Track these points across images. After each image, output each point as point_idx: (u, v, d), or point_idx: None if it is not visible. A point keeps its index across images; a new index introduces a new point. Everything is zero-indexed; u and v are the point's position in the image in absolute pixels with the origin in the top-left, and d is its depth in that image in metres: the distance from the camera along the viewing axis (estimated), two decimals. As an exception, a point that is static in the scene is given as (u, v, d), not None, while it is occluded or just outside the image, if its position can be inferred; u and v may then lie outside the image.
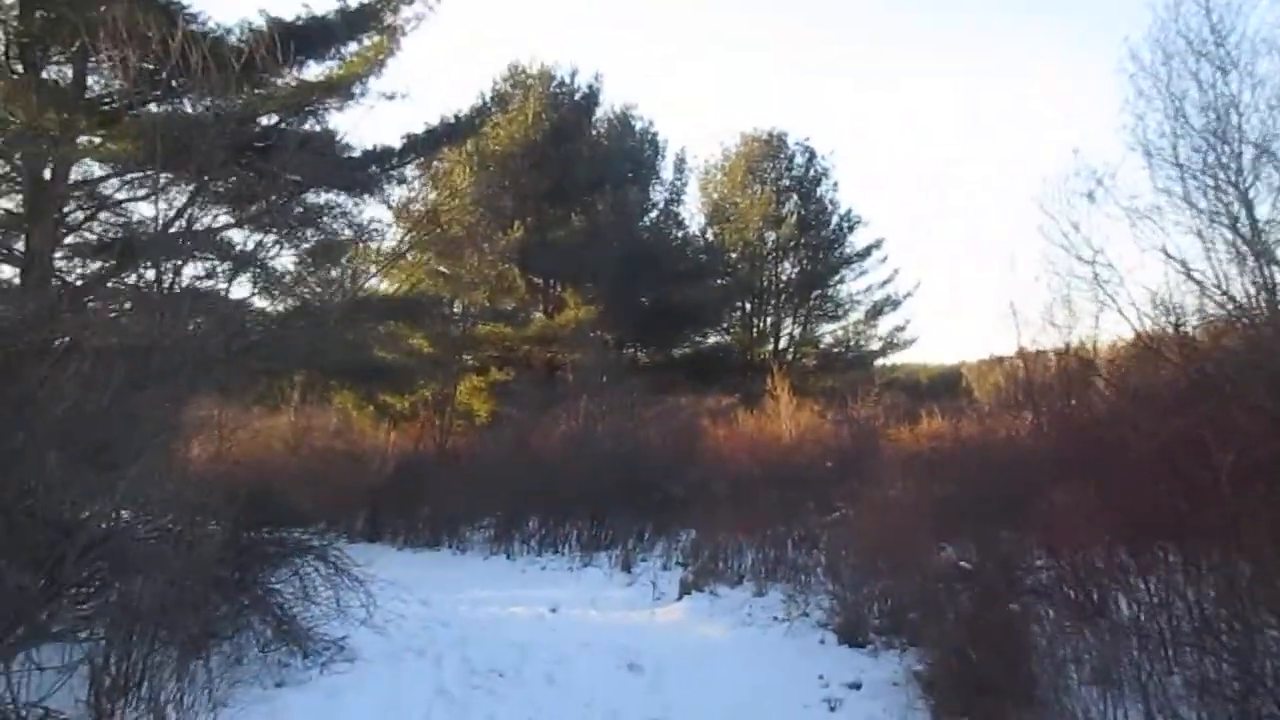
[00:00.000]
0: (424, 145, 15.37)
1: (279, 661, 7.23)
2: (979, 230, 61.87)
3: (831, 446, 17.47)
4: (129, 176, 14.65)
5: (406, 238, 23.64)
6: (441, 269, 21.26)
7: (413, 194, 24.37)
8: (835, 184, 30.19)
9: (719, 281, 27.84)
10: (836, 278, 29.91)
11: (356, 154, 14.93)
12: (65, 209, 14.93)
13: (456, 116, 15.60)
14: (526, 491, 14.69)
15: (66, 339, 13.69)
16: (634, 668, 7.64)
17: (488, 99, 15.85)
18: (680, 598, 9.86)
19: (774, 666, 7.42)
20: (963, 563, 6.93)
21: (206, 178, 13.60)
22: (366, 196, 15.41)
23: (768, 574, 10.27)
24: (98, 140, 14.35)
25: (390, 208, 15.43)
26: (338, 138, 14.78)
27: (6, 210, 14.38)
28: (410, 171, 15.60)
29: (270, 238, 15.70)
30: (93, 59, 13.47)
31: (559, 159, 23.64)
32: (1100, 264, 9.66)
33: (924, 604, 7.25)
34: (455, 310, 18.98)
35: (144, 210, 15.40)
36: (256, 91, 14.49)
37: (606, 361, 21.70)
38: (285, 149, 13.47)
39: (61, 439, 8.09)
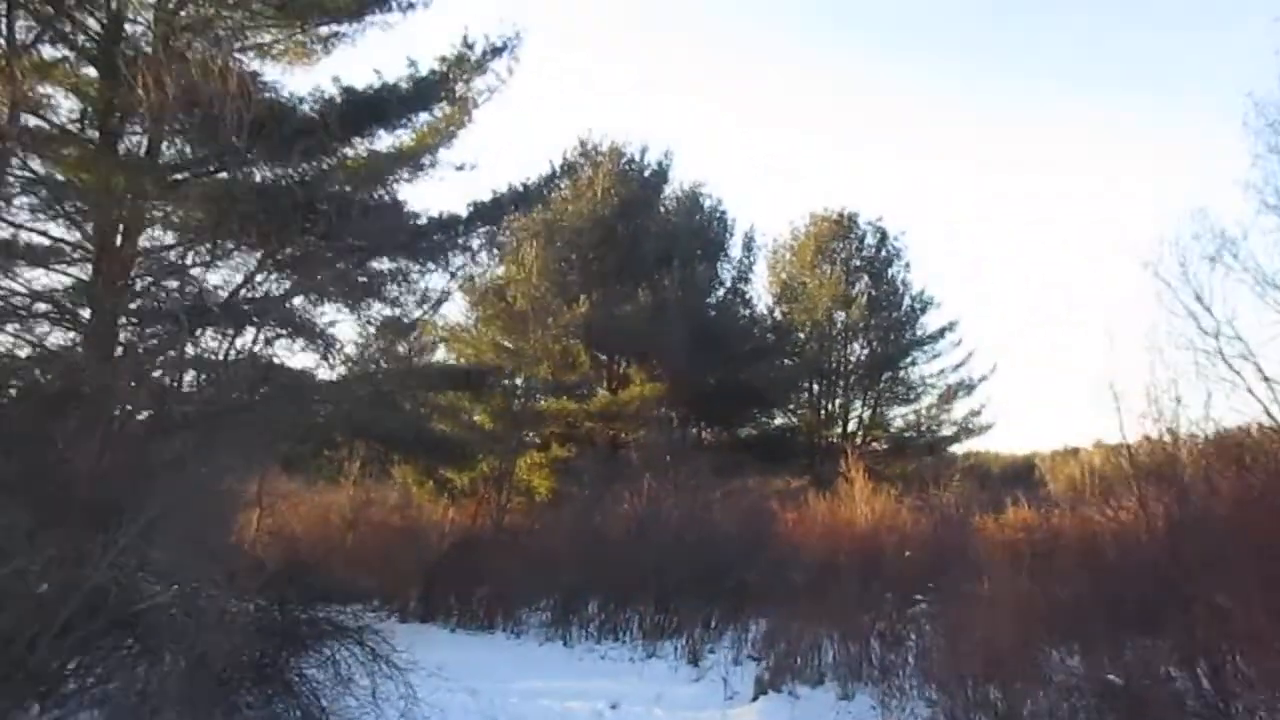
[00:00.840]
0: (490, 213, 14.78)
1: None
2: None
3: (910, 534, 16.30)
4: (197, 246, 14.32)
5: (473, 311, 23.35)
6: (506, 343, 20.63)
7: (480, 268, 24.16)
8: (907, 264, 29.27)
9: (786, 362, 26.90)
10: (908, 360, 28.77)
11: (422, 221, 14.40)
12: (132, 273, 14.58)
13: (524, 185, 15.03)
14: (587, 574, 13.74)
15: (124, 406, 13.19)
16: (706, 782, 6.63)
17: (556, 168, 15.29)
18: (755, 698, 8.80)
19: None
20: (1111, 676, 5.83)
21: (274, 245, 13.19)
22: (431, 265, 14.83)
23: (852, 674, 9.17)
24: (168, 208, 13.92)
25: (454, 276, 14.70)
26: (405, 206, 14.31)
27: (75, 277, 14.05)
28: (476, 241, 14.98)
29: (334, 306, 15.24)
30: (168, 126, 13.22)
31: (627, 235, 23.06)
32: (1226, 336, 8.64)
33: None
34: (517, 384, 18.22)
35: (211, 279, 15.03)
36: (326, 161, 14.13)
37: (671, 440, 20.81)
38: (351, 215, 12.98)
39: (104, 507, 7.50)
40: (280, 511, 21.76)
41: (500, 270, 23.75)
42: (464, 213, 14.79)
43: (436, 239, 14.55)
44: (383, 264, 15.00)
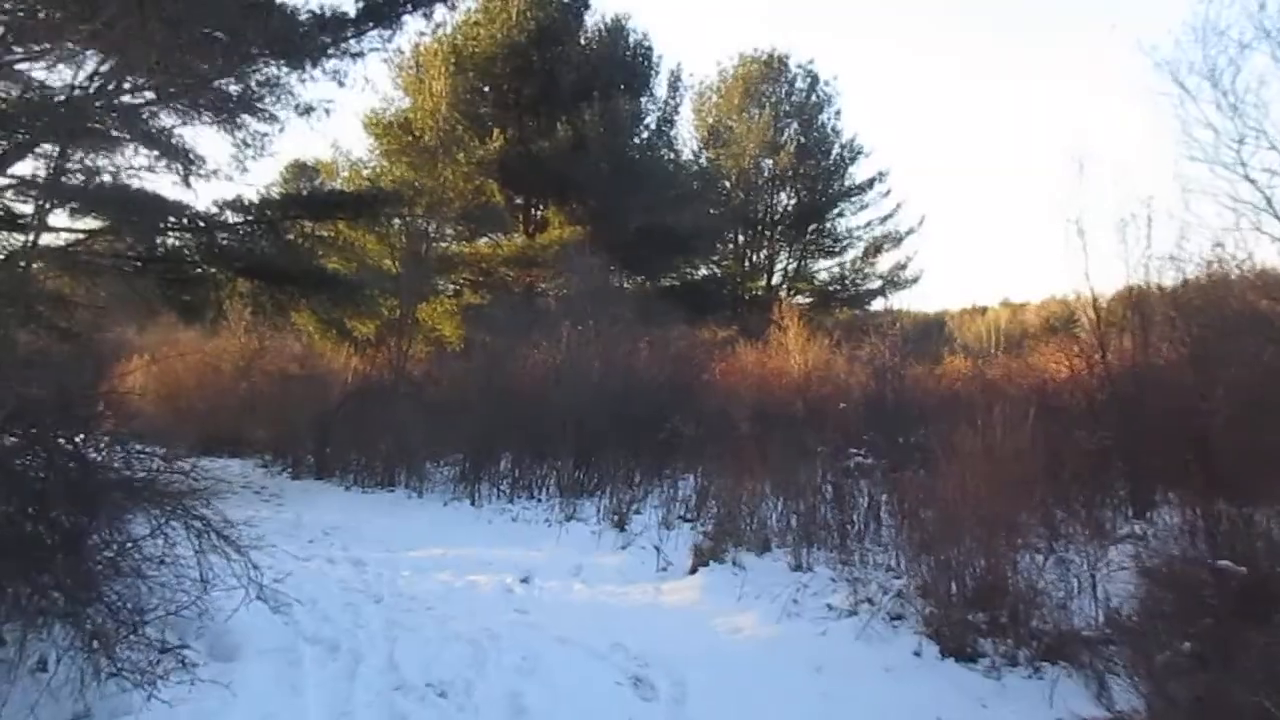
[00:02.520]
0: (383, 11, 12.33)
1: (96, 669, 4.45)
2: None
3: (846, 385, 14.80)
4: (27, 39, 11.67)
5: (377, 145, 20.80)
6: (414, 181, 18.27)
7: (383, 99, 21.50)
8: (838, 111, 27.37)
9: (712, 210, 24.91)
10: (836, 211, 27.11)
11: (302, 18, 11.92)
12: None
13: (424, -19, 12.56)
14: (499, 426, 11.95)
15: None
16: (641, 684, 4.96)
17: (462, -36, 12.89)
18: (694, 570, 7.14)
19: (856, 698, 4.73)
20: (1223, 562, 4.25)
21: (121, 39, 10.65)
22: (314, 71, 12.39)
23: (803, 538, 7.57)
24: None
25: (342, 85, 12.30)
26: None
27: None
28: (368, 45, 12.52)
29: (199, 118, 12.78)
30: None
31: (544, 65, 20.56)
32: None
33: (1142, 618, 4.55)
34: (420, 220, 15.94)
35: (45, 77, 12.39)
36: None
37: (593, 285, 18.87)
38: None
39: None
40: (167, 360, 19.51)
41: (406, 102, 21.27)
42: (352, 10, 12.35)
43: (321, 41, 12.10)
44: (257, 72, 12.59)
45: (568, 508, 9.53)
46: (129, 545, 5.28)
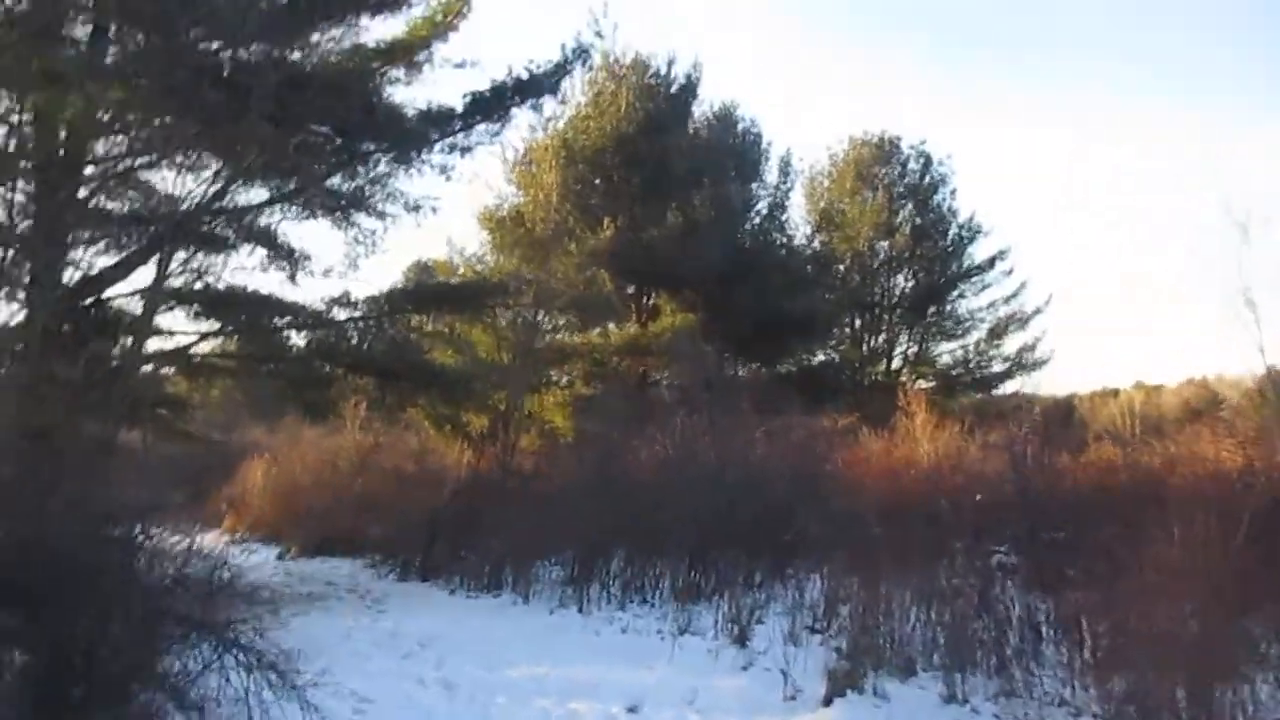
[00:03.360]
0: (491, 106, 11.98)
1: None
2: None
3: (981, 475, 13.49)
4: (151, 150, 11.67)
5: (490, 239, 20.57)
6: (526, 274, 17.85)
7: (497, 195, 21.37)
8: (953, 190, 26.11)
9: (827, 295, 23.91)
10: (956, 292, 25.75)
11: (409, 113, 11.64)
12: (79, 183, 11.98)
13: (530, 71, 12.18)
14: (609, 524, 11.08)
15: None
16: None
17: (568, 53, 12.45)
18: (829, 701, 6.07)
19: None
20: None
21: (238, 145, 10.52)
22: (422, 167, 12.07)
23: (953, 660, 6.43)
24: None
25: (450, 179, 11.92)
26: (385, 95, 11.59)
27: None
28: (475, 139, 12.16)
29: (311, 217, 12.56)
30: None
31: (653, 153, 20.07)
32: None
33: None
34: (527, 311, 15.37)
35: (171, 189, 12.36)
36: (298, 50, 11.44)
37: (706, 374, 18.06)
38: (316, 97, 10.25)
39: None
40: (285, 459, 19.33)
41: (518, 196, 21.08)
42: (459, 106, 12.04)
43: (426, 135, 11.80)
44: (367, 171, 12.34)
45: (682, 617, 8.50)
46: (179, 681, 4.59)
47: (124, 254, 12.18)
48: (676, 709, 6.18)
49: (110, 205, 12.37)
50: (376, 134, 11.05)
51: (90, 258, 14.44)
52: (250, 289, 11.74)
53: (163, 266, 10.42)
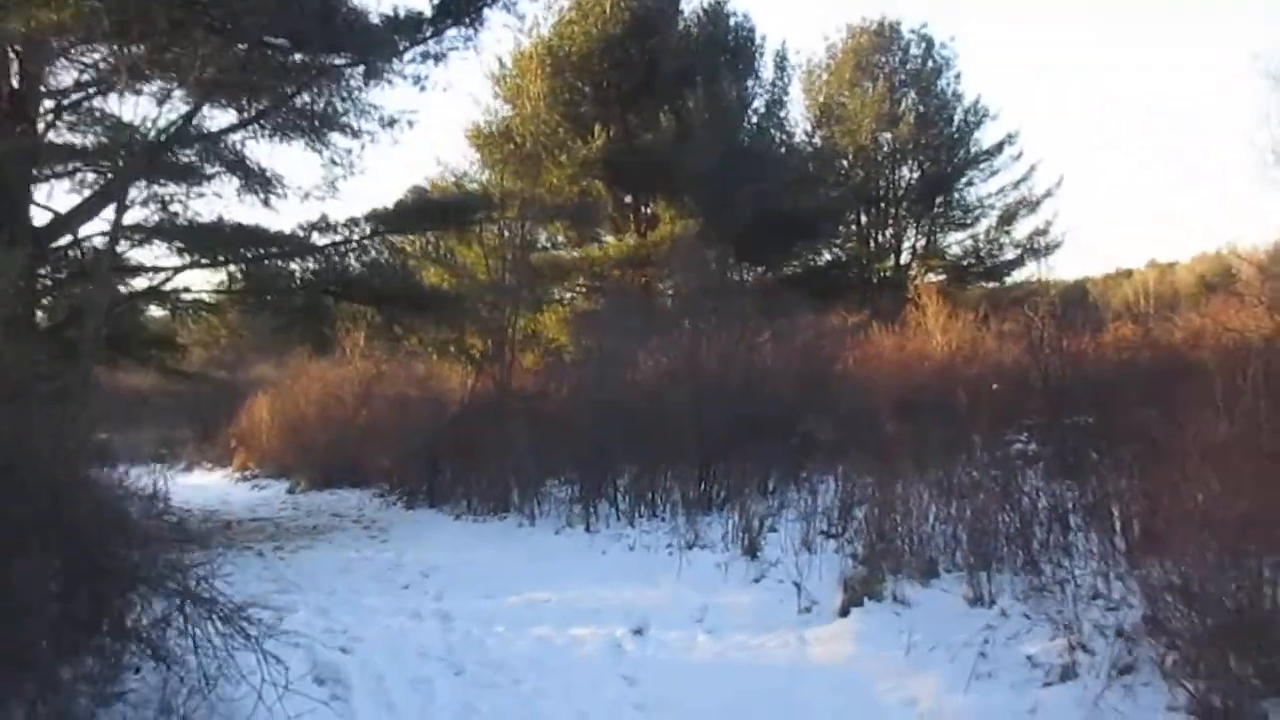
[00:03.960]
0: (461, 7, 11.17)
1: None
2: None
3: (997, 364, 12.96)
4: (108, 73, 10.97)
5: (479, 155, 19.81)
6: (520, 190, 17.14)
7: (486, 110, 20.52)
8: (958, 74, 24.99)
9: (831, 193, 23.08)
10: (964, 180, 24.82)
11: (374, 20, 10.86)
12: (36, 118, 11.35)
13: (506, -31, 11.35)
14: (615, 439, 10.61)
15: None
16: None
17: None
18: (846, 611, 5.60)
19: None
20: None
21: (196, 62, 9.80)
22: (394, 78, 11.34)
23: (978, 559, 5.95)
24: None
25: (424, 90, 11.18)
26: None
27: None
28: (448, 46, 11.37)
29: (281, 140, 11.90)
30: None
31: (643, 55, 19.15)
32: None
33: None
34: (523, 230, 14.70)
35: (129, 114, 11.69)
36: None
37: (710, 281, 17.44)
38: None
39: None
40: (290, 393, 18.94)
41: (505, 110, 20.25)
42: (427, 9, 11.24)
43: (392, 41, 11.04)
44: (332, 90, 11.62)
45: (690, 532, 8.03)
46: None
47: (92, 190, 11.63)
48: (684, 629, 5.75)
49: (73, 139, 11.79)
50: (338, 44, 10.29)
51: (58, 196, 13.83)
52: (229, 219, 11.17)
53: (122, 199, 9.81)
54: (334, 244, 11.11)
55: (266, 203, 11.25)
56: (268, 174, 11.11)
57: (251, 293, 12.14)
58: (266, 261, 11.82)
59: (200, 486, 17.80)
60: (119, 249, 11.85)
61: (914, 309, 14.95)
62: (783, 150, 22.05)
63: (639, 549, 8.15)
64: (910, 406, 12.29)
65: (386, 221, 11.11)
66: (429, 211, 11.15)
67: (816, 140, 24.23)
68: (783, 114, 22.39)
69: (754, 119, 21.61)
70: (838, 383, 12.21)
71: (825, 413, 11.35)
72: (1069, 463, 10.37)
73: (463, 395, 14.66)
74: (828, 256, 24.45)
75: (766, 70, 22.04)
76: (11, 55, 10.84)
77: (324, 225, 11.02)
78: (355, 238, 11.23)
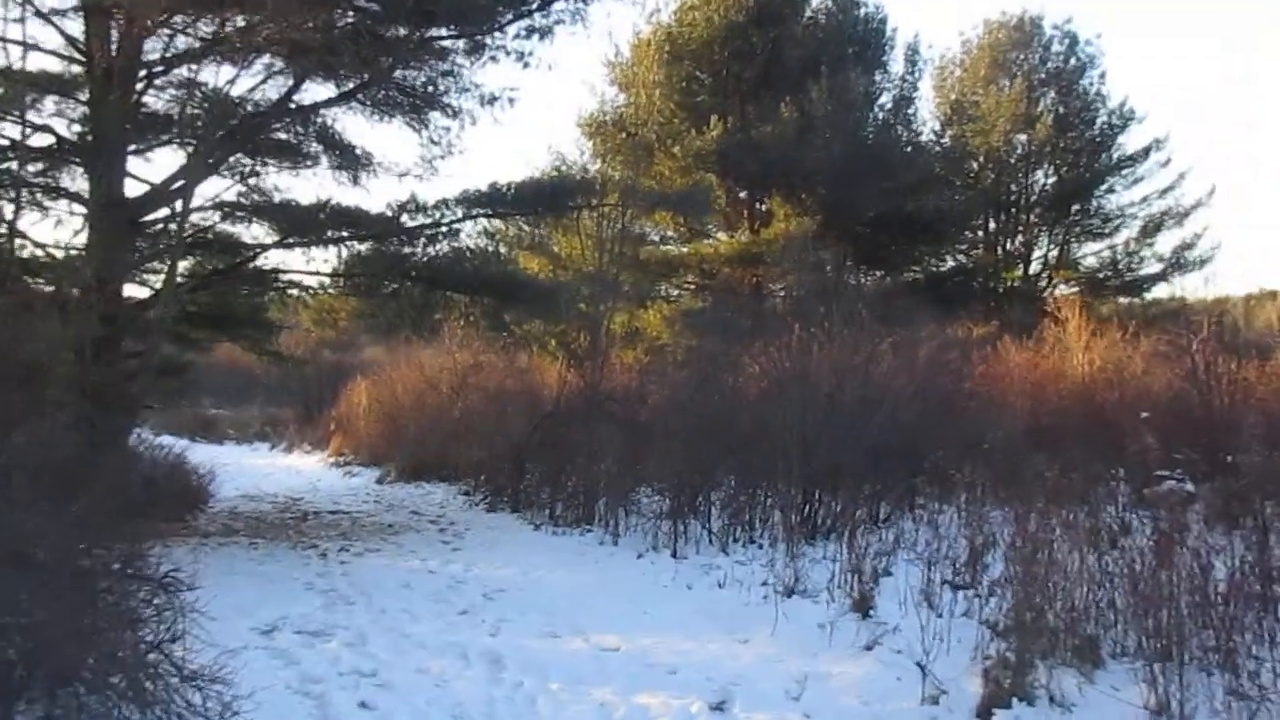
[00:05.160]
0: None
1: None
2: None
3: (1147, 389, 11.33)
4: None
5: (590, 143, 18.85)
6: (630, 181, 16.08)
7: (600, 99, 19.57)
8: (1102, 74, 22.88)
9: (958, 196, 21.37)
10: (1104, 187, 22.70)
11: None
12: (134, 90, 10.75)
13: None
14: (712, 451, 9.46)
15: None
16: None
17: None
18: (987, 712, 4.32)
19: None
20: None
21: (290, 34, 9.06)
22: (497, 54, 10.38)
23: (1155, 644, 4.60)
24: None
25: (527, 66, 10.20)
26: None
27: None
28: (556, 18, 10.36)
29: (381, 119, 11.08)
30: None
31: (766, 44, 17.90)
32: None
33: None
34: (632, 222, 13.59)
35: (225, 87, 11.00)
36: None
37: (824, 283, 16.09)
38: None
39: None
40: (388, 380, 18.33)
41: (620, 99, 19.25)
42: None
43: (495, 12, 10.09)
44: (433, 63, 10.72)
45: (789, 572, 6.77)
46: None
47: (186, 164, 10.98)
48: (777, 709, 4.55)
49: (169, 110, 11.19)
50: (438, 14, 9.37)
51: (151, 169, 13.30)
52: (325, 199, 10.38)
53: (200, 169, 9.10)
54: (423, 227, 10.21)
55: (356, 181, 10.43)
56: (357, 151, 10.27)
57: (344, 275, 11.38)
58: (359, 244, 11.00)
59: (295, 469, 17.34)
60: (209, 223, 11.31)
61: (1052, 322, 13.35)
62: (909, 149, 20.46)
63: (730, 586, 6.96)
64: (1046, 432, 10.82)
65: (480, 204, 10.16)
66: (524, 195, 10.15)
67: (946, 140, 22.45)
68: (911, 111, 20.88)
69: (880, 115, 20.14)
70: (964, 402, 10.79)
71: (949, 436, 9.98)
72: (1232, 510, 8.85)
73: (559, 393, 13.71)
74: (950, 263, 22.74)
75: (896, 65, 20.57)
76: (111, 22, 10.30)
77: (414, 206, 10.13)
78: (446, 221, 10.30)
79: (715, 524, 9.02)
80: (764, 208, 18.74)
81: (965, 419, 10.41)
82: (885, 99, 20.46)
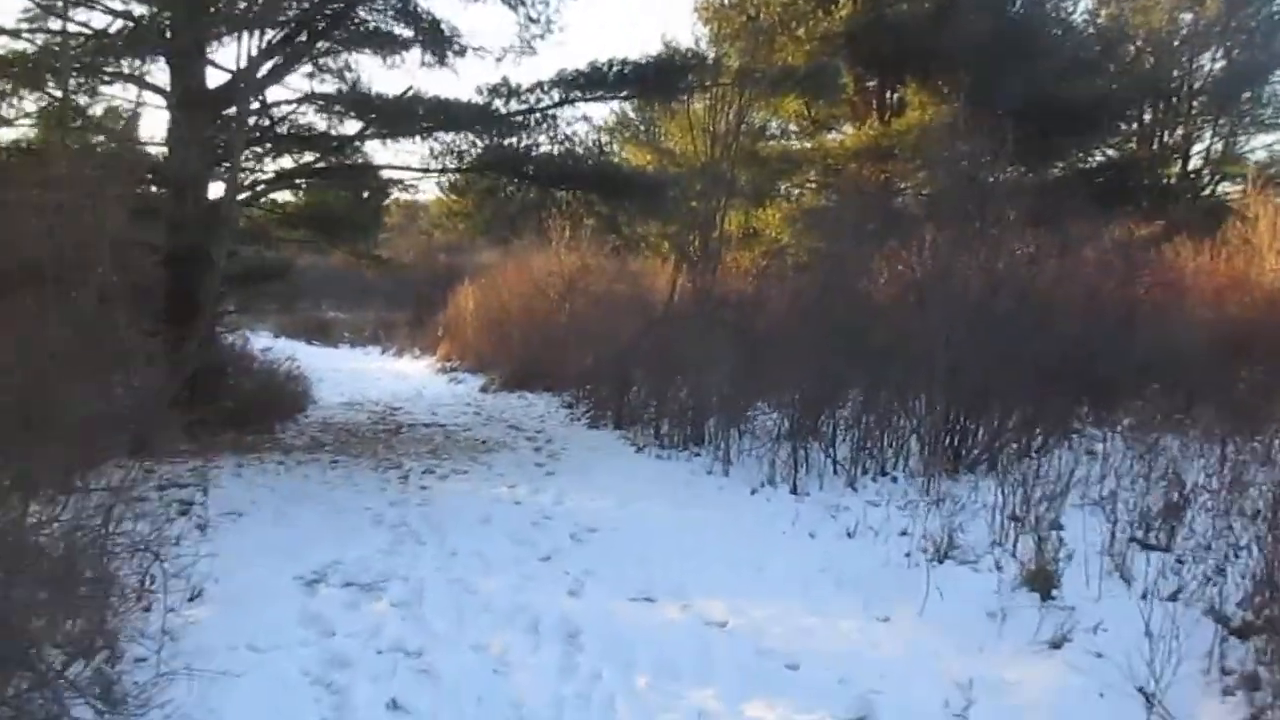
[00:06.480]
0: None
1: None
2: None
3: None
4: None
5: (707, 33, 17.07)
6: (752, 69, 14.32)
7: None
8: (1286, -60, 19.69)
9: (1113, 83, 18.77)
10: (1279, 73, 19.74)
11: None
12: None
13: None
14: (836, 369, 8.05)
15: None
16: None
17: None
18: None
19: None
20: None
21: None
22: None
23: None
24: None
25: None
26: None
27: None
28: None
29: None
30: None
31: (902, -85, 15.69)
32: None
33: None
34: (739, 100, 11.91)
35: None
36: None
37: (964, 179, 14.15)
38: None
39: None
40: (495, 285, 17.32)
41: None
42: None
43: None
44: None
45: (937, 528, 5.41)
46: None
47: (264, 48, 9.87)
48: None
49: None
50: None
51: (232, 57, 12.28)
52: (415, 89, 9.15)
53: (264, 47, 7.97)
54: (516, 113, 8.91)
55: (443, 61, 9.13)
56: (444, 28, 8.95)
57: (436, 172, 10.24)
58: (449, 134, 9.78)
59: (402, 375, 16.64)
60: (295, 115, 10.27)
61: (1238, 222, 11.30)
62: (1059, 31, 18.00)
63: (862, 534, 5.65)
64: (1236, 347, 9.04)
65: (578, 86, 8.78)
66: (628, 75, 8.71)
67: (1101, 19, 19.75)
68: (1063, -11, 18.24)
69: (1029, -8, 17.64)
70: (1137, 312, 9.06)
71: (1121, 352, 8.32)
72: None
73: (671, 297, 12.42)
74: (1100, 158, 20.22)
75: (1046, -66, 17.93)
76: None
77: (505, 90, 8.81)
78: (542, 106, 8.97)
79: (840, 451, 7.68)
80: (896, 97, 16.72)
81: (1138, 333, 8.70)
82: (1032, -28, 17.95)
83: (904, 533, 5.56)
